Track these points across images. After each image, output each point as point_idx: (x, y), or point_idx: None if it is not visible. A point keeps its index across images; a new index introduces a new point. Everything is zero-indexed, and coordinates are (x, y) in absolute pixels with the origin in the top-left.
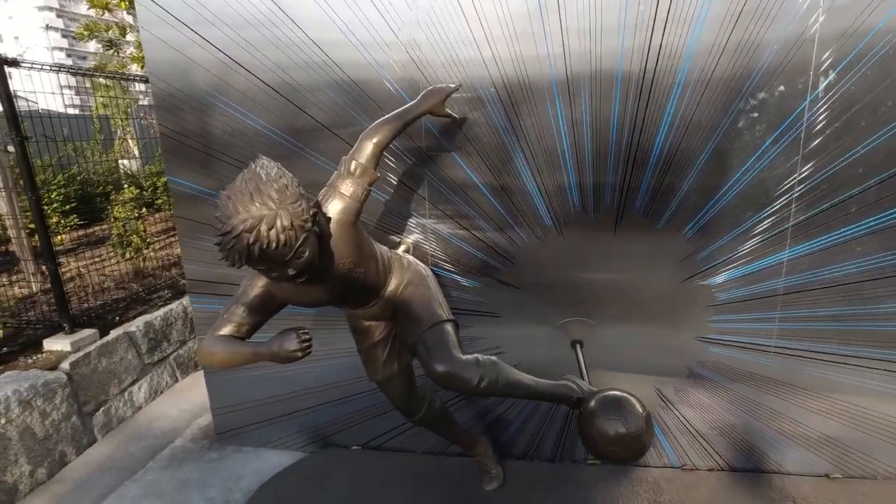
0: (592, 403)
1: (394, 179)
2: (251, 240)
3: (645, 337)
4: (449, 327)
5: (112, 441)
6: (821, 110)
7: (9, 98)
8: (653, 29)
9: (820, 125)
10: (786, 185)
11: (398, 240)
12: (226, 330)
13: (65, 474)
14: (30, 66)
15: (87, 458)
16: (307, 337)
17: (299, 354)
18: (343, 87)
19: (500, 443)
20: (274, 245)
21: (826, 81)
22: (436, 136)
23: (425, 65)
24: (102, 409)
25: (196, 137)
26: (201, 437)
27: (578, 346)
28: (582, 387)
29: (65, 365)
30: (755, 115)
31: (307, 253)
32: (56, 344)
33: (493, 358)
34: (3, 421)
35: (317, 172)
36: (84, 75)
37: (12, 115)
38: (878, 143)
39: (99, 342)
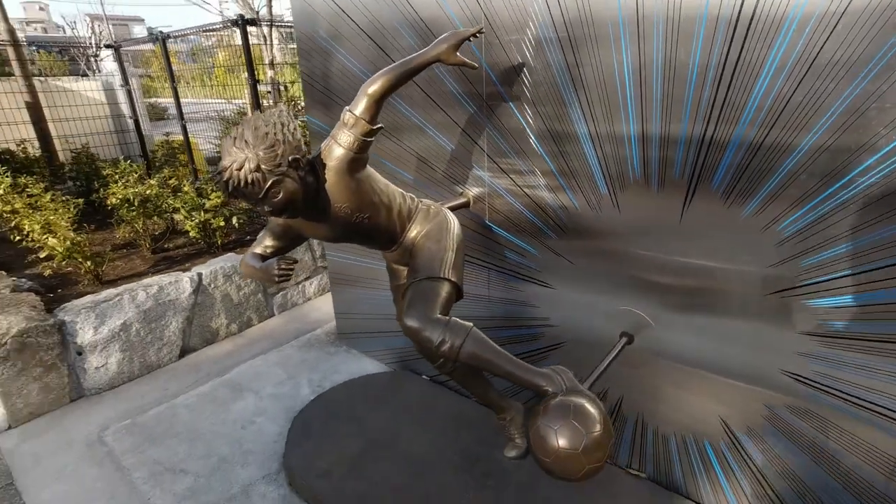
0: (550, 402)
1: (460, 126)
2: (226, 177)
3: (714, 349)
4: (440, 285)
5: (282, 318)
6: None
7: (248, 49)
8: None
9: None
10: None
11: (461, 191)
12: (257, 249)
13: (246, 333)
14: (263, 23)
15: (263, 326)
16: (287, 266)
17: (276, 279)
18: (415, 27)
19: None
20: (242, 184)
21: None
22: (494, 82)
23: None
24: (281, 293)
25: (320, 80)
26: (332, 334)
27: (624, 341)
28: (562, 384)
29: None
30: None
31: (281, 194)
32: None
33: (469, 325)
34: (213, 286)
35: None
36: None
37: (249, 61)
38: None
39: None
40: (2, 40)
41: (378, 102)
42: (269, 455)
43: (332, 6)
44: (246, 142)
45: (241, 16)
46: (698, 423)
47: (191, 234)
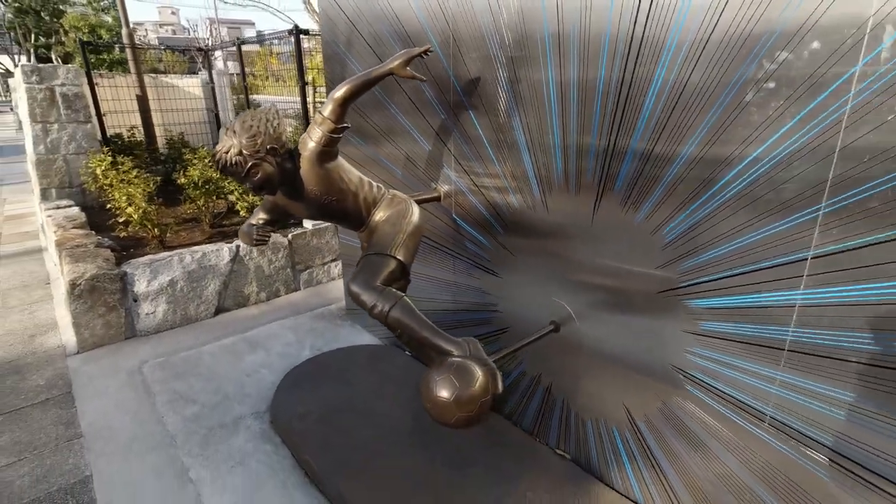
0: (444, 360)
1: (435, 130)
2: (217, 158)
3: (620, 343)
4: (386, 261)
5: (306, 293)
6: (879, 83)
7: (300, 54)
8: None
9: (876, 107)
10: (808, 195)
11: (434, 186)
12: (252, 220)
13: (273, 301)
14: (313, 33)
15: (289, 297)
16: (263, 234)
17: (254, 242)
18: (402, 39)
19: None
20: (228, 164)
21: (892, 37)
22: (458, 93)
23: (452, 18)
24: (307, 270)
25: (339, 81)
26: (342, 309)
27: (550, 328)
28: (467, 351)
29: (289, 236)
30: (771, 85)
31: (259, 175)
32: (308, 224)
33: (400, 295)
34: (248, 258)
35: (390, 118)
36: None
37: (300, 68)
38: None
39: (314, 226)
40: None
41: (342, 105)
42: (262, 398)
43: (345, 19)
44: (234, 132)
45: (296, 26)
46: (609, 410)
47: (241, 213)
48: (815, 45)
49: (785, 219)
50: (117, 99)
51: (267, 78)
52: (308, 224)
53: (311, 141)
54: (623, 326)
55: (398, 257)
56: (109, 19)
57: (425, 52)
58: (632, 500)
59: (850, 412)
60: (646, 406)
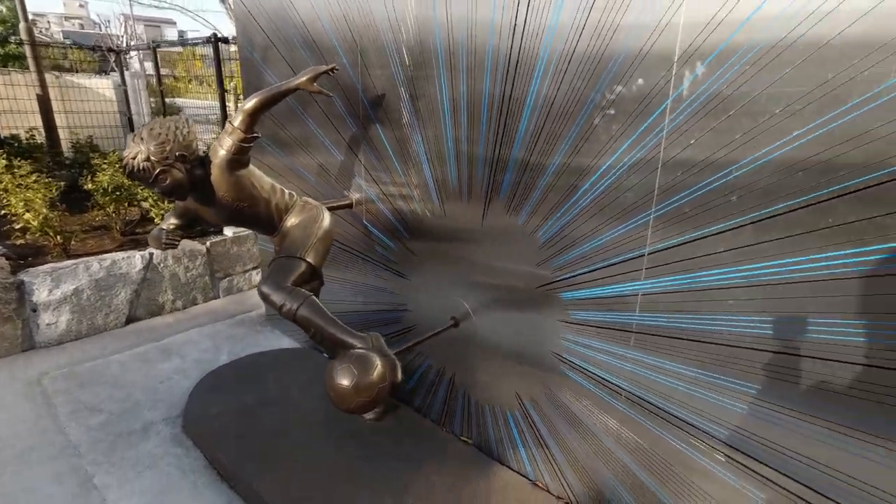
0: (347, 352)
1: (346, 142)
2: (124, 163)
3: (512, 337)
4: (296, 263)
5: (226, 300)
6: (684, 115)
7: (219, 62)
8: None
9: (684, 132)
10: (642, 201)
11: (347, 194)
12: (163, 225)
13: (190, 310)
14: (232, 41)
15: (207, 305)
16: (171, 238)
17: (163, 246)
18: (314, 51)
19: (403, 390)
20: (134, 170)
21: (692, 77)
22: (366, 107)
23: (359, 36)
24: (228, 278)
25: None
26: (263, 316)
27: (450, 324)
28: (370, 344)
29: (207, 243)
30: (612, 111)
31: (168, 181)
32: (229, 231)
33: (308, 294)
34: (162, 266)
35: (306, 130)
36: None
37: (219, 76)
38: (759, 164)
39: (234, 234)
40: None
41: (251, 116)
42: (174, 404)
43: (258, 28)
44: (142, 138)
45: (215, 34)
46: (503, 396)
47: (155, 220)
48: (640, 81)
49: (627, 221)
50: (14, 98)
51: (190, 81)
52: (228, 231)
53: (222, 149)
54: (511, 319)
55: (308, 260)
56: (3, 9)
57: (332, 69)
58: (525, 477)
59: (682, 381)
60: (532, 390)
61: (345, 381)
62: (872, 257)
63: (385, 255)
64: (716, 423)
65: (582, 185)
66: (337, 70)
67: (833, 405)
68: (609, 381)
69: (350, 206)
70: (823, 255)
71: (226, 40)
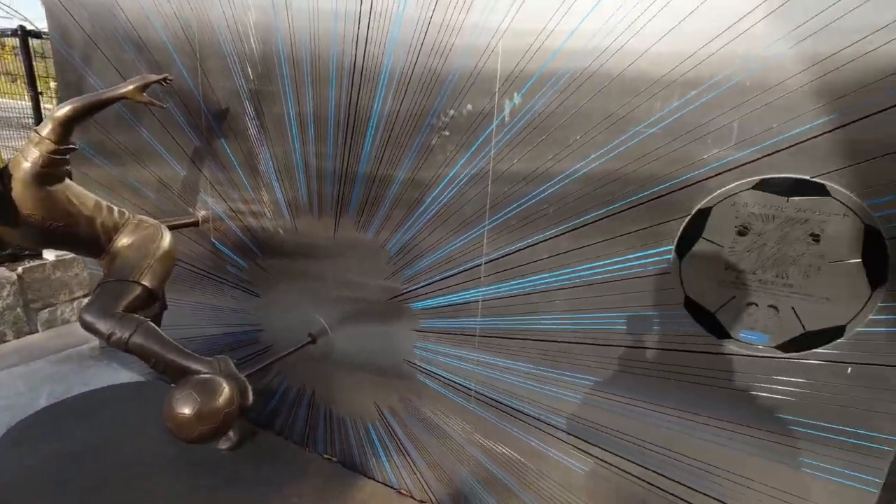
0: (188, 379)
1: (188, 155)
2: None
3: (368, 349)
4: (128, 287)
5: (46, 335)
6: (507, 136)
7: (30, 60)
8: (359, 18)
9: (507, 153)
10: (477, 215)
11: (192, 211)
12: None
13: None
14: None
15: (20, 342)
16: None
17: None
18: (142, 50)
19: (262, 414)
20: None
21: (511, 105)
22: (210, 120)
23: (192, 31)
24: (48, 309)
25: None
26: (96, 349)
27: (307, 341)
28: (217, 369)
29: (19, 270)
30: (447, 133)
31: None
32: (51, 254)
33: (141, 320)
34: None
35: (138, 139)
36: None
37: (30, 76)
38: (566, 182)
39: (57, 257)
40: None
41: (63, 125)
42: None
43: (77, 27)
44: None
45: (23, 27)
46: (363, 409)
47: None
48: (470, 107)
49: (466, 234)
50: None
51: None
52: (49, 255)
53: (26, 161)
54: (367, 332)
55: (143, 283)
56: None
57: (164, 80)
58: (390, 487)
59: (523, 377)
60: (390, 399)
61: (186, 410)
62: (654, 258)
63: (237, 275)
64: (554, 413)
65: (425, 199)
66: (171, 80)
67: (643, 386)
68: (459, 384)
69: (196, 223)
70: (622, 257)
71: (37, 34)
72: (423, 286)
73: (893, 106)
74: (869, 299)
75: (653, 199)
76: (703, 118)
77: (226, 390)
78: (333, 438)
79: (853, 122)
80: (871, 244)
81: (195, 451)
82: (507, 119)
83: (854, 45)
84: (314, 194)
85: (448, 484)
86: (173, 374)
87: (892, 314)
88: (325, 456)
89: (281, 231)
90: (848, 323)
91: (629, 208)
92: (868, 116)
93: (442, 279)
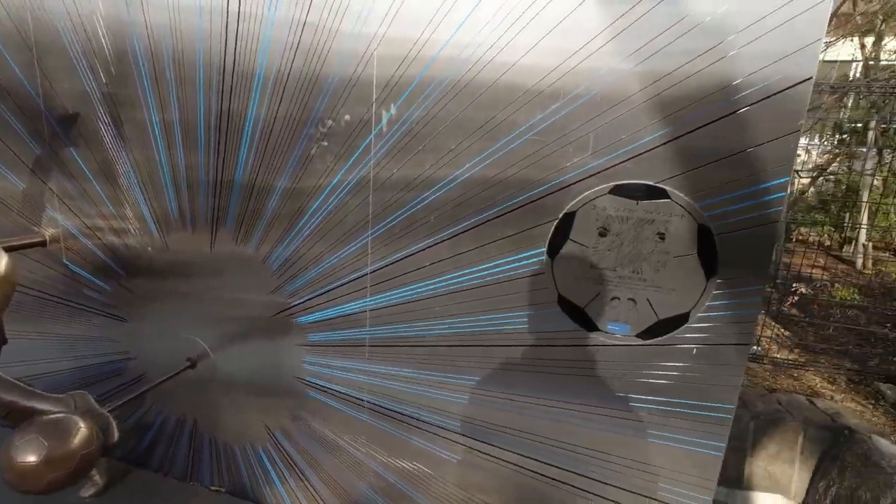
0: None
1: (28, 166)
2: None
3: (255, 369)
4: None
5: None
6: (387, 145)
7: None
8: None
9: (387, 162)
10: (361, 224)
11: (36, 229)
12: None
13: None
14: None
15: None
16: None
17: None
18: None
19: (137, 450)
20: None
21: (388, 115)
22: (54, 126)
23: (21, 20)
24: None
25: None
26: None
27: (187, 365)
28: (72, 406)
29: None
30: (325, 143)
31: None
32: None
33: None
34: None
35: None
36: None
37: None
38: (445, 190)
39: None
40: None
41: None
42: None
43: None
44: None
45: None
46: (252, 433)
47: None
48: (347, 117)
49: (351, 244)
50: None
51: None
52: None
53: None
54: (252, 351)
55: None
56: None
57: None
58: None
59: (413, 384)
60: (281, 420)
61: (30, 457)
62: (529, 261)
63: (97, 299)
64: (445, 415)
65: (306, 210)
66: None
67: (526, 382)
68: (352, 396)
69: (42, 243)
70: (499, 261)
71: None
72: (309, 299)
73: (716, 120)
74: (705, 289)
75: (525, 205)
76: (566, 128)
77: (82, 429)
78: (221, 468)
79: (685, 133)
80: (704, 241)
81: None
82: (385, 129)
83: (683, 67)
84: (186, 207)
85: (347, 499)
86: (17, 418)
87: (724, 300)
88: (213, 488)
89: (149, 248)
90: (691, 310)
91: (504, 214)
92: (697, 129)
93: (328, 291)
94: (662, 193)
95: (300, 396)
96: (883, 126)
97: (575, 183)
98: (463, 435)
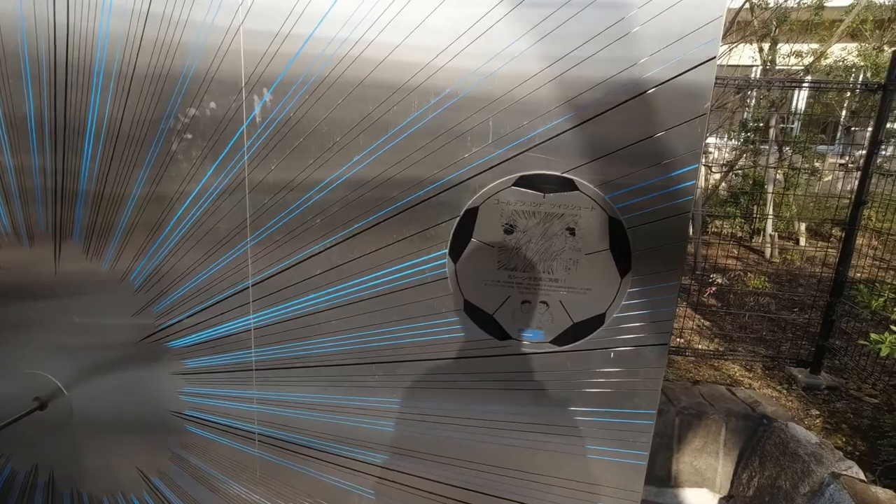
0: None
1: None
2: None
3: (122, 405)
4: None
5: None
6: (262, 139)
7: None
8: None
9: (263, 158)
10: (237, 231)
11: None
12: None
13: None
14: None
15: None
16: None
17: None
18: None
19: None
20: None
21: (262, 102)
22: None
23: None
24: None
25: None
26: None
27: (34, 407)
28: None
29: None
30: (190, 136)
31: None
32: None
33: None
34: None
35: None
36: None
37: None
38: (330, 189)
39: None
40: None
41: None
42: None
43: None
44: None
45: None
46: (122, 478)
47: None
48: (213, 105)
49: (227, 253)
50: None
51: None
52: None
53: None
54: (117, 384)
55: None
56: None
57: None
58: None
59: (308, 410)
60: (157, 461)
61: None
62: (430, 264)
63: None
64: (347, 443)
65: (171, 217)
66: None
67: (437, 399)
68: (241, 428)
69: None
70: (396, 266)
71: None
72: (182, 319)
73: (619, 104)
74: (620, 287)
75: (421, 202)
76: (460, 117)
77: None
78: None
79: (589, 119)
80: (616, 235)
81: None
82: (258, 119)
83: (582, 47)
84: (19, 219)
85: None
86: None
87: (639, 299)
88: None
89: None
90: (606, 310)
91: (399, 213)
92: (600, 114)
93: (204, 308)
94: (570, 185)
95: (179, 433)
96: (781, 125)
97: (475, 176)
98: (369, 464)
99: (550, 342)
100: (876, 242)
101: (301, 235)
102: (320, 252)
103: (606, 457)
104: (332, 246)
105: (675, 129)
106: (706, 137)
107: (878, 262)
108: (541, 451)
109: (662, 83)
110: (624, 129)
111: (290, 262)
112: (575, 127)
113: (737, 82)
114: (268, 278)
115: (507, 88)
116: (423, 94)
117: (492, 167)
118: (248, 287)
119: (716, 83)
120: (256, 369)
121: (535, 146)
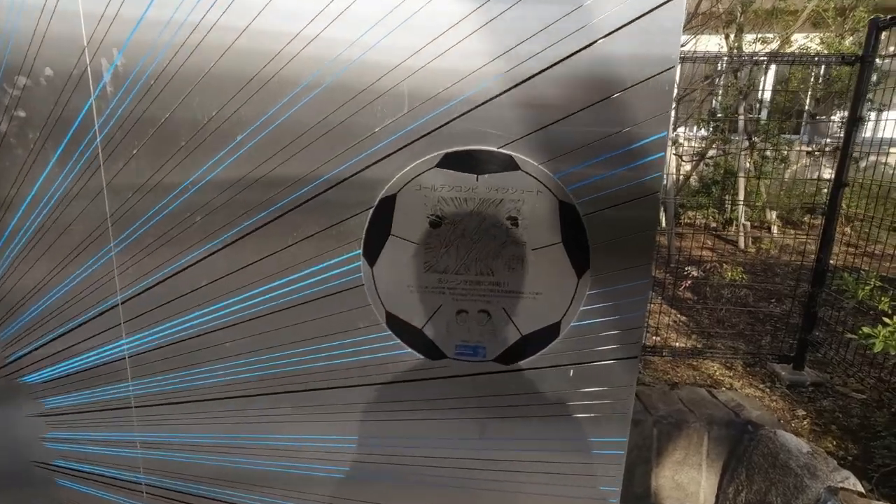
0: None
1: None
2: None
3: None
4: None
5: None
6: (117, 115)
7: None
8: None
9: (121, 143)
10: (95, 236)
11: None
12: None
13: None
14: None
15: None
16: None
17: None
18: None
19: None
20: None
21: (112, 67)
22: None
23: None
24: None
25: None
26: None
27: None
28: None
29: None
30: (23, 113)
31: None
32: None
33: None
34: None
35: None
36: None
37: None
38: (208, 179)
39: None
40: None
41: None
42: None
43: None
44: None
45: None
46: None
47: None
48: (49, 71)
49: (85, 263)
50: None
51: None
52: None
53: None
54: None
55: None
56: None
57: None
58: None
59: (205, 453)
60: None
61: None
62: (340, 269)
63: None
64: (252, 490)
65: (8, 220)
66: None
67: (364, 434)
68: (122, 479)
69: None
70: (299, 273)
71: None
72: (36, 348)
73: (568, 56)
74: (577, 289)
75: (324, 191)
76: (365, 81)
77: None
78: None
79: (529, 77)
80: (570, 223)
81: None
82: (109, 89)
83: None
84: None
85: None
86: None
87: (601, 303)
88: None
89: None
90: (561, 319)
91: (297, 206)
92: (543, 71)
93: (64, 333)
94: (509, 163)
95: (45, 487)
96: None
97: (390, 154)
98: None
99: (494, 360)
100: (849, 230)
101: (178, 238)
102: (204, 258)
103: (570, 497)
104: (219, 250)
105: (637, 87)
106: (675, 103)
107: (853, 250)
108: (487, 491)
109: (620, 27)
110: (575, 90)
111: (167, 272)
112: (512, 88)
113: (707, 60)
114: (141, 292)
115: (425, 40)
116: (323, 50)
117: (410, 142)
118: (116, 305)
119: (683, 59)
120: (137, 406)
121: (462, 114)
